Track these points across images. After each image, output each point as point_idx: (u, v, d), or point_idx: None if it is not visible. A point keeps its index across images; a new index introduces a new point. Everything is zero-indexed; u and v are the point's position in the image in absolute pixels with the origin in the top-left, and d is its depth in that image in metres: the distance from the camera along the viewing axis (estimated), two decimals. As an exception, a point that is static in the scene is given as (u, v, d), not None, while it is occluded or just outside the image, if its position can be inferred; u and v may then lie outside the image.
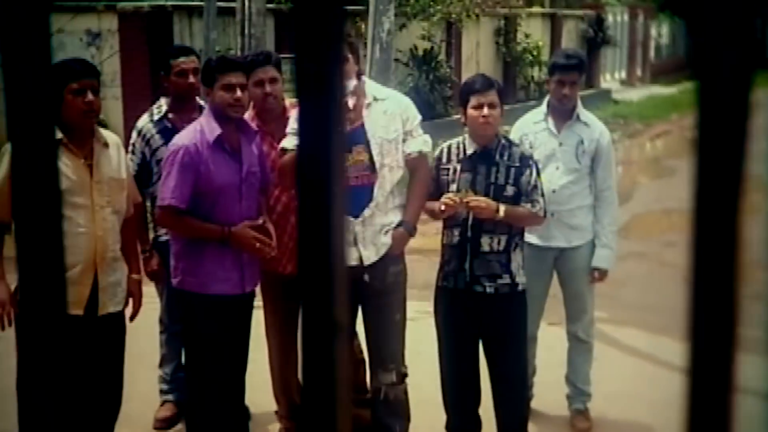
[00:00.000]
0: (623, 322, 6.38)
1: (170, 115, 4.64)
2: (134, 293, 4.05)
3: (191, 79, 4.57)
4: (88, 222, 3.76)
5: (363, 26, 13.85)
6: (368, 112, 4.02)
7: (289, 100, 4.40)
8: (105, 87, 11.85)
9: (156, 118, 4.68)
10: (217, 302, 3.98)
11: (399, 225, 4.05)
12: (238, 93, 3.92)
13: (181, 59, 4.63)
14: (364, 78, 4.18)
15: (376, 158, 3.97)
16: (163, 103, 4.73)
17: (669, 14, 30.08)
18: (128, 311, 4.04)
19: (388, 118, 4.03)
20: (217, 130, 3.92)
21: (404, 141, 4.04)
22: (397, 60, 14.22)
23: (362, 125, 4.00)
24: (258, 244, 3.90)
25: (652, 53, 29.57)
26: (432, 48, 16.49)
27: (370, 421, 4.29)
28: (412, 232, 4.11)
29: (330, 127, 0.53)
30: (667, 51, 31.18)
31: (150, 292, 4.94)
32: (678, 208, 10.83)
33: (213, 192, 3.92)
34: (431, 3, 15.77)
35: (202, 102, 4.59)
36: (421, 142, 4.10)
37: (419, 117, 4.15)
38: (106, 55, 11.74)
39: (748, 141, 0.54)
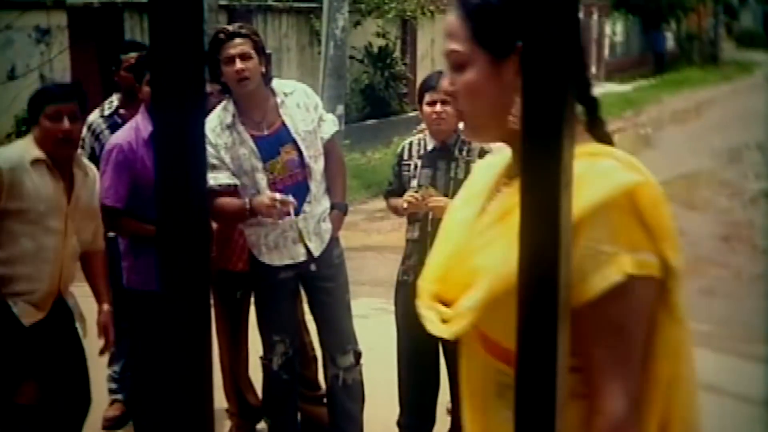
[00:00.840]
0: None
1: (121, 111, 4.63)
2: (107, 325, 3.89)
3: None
4: (58, 248, 3.64)
5: (317, 23, 13.82)
6: (284, 109, 4.00)
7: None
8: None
9: (107, 113, 4.68)
10: (153, 297, 3.93)
11: (332, 208, 4.07)
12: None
13: (131, 54, 4.61)
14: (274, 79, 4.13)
15: (304, 152, 3.96)
16: (114, 99, 4.73)
17: (624, 12, 30.35)
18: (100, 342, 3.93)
19: (303, 110, 4.03)
20: (151, 126, 3.90)
21: (319, 126, 4.06)
22: (351, 57, 14.21)
23: (283, 124, 3.98)
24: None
25: (606, 51, 29.82)
26: (387, 45, 16.49)
27: (327, 416, 4.28)
28: (346, 211, 4.19)
29: (189, 152, 0.52)
30: (621, 49, 31.45)
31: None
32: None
33: (150, 189, 3.87)
34: (386, 0, 15.77)
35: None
36: (332, 123, 4.17)
37: (320, 101, 4.22)
38: (55, 51, 11.57)
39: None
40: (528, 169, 0.51)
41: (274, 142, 3.93)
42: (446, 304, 1.54)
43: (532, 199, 0.52)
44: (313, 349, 4.47)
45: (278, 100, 3.97)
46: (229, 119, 3.92)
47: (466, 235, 1.60)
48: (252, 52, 3.86)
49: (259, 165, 3.88)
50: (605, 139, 1.58)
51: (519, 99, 1.43)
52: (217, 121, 3.92)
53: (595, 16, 28.34)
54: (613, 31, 30.62)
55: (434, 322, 1.57)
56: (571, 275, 0.55)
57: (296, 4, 15.31)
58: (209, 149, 3.83)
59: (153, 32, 0.53)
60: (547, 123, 0.50)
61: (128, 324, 4.29)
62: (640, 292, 1.40)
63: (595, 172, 1.41)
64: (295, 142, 3.94)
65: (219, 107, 3.99)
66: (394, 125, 14.56)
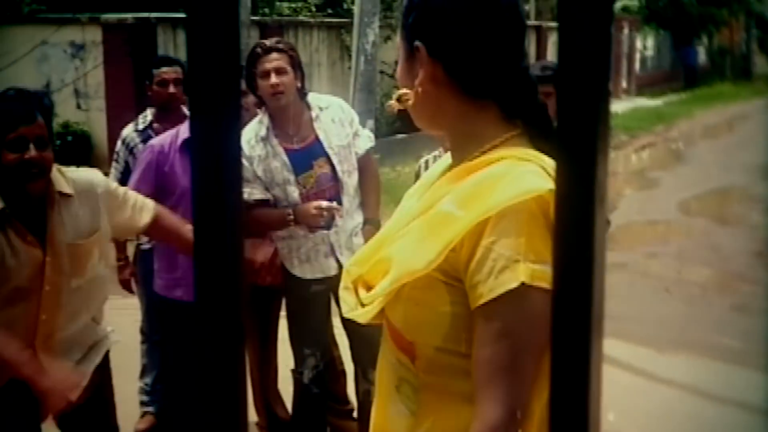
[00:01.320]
0: (604, 333, 6.36)
1: (155, 125, 4.67)
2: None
3: (171, 89, 4.60)
4: (29, 306, 2.88)
5: (348, 38, 13.88)
6: (319, 123, 4.01)
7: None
8: (89, 99, 11.85)
9: (141, 127, 4.73)
10: (186, 308, 3.98)
11: (365, 223, 4.08)
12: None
13: (163, 69, 4.66)
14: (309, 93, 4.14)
15: (337, 167, 3.97)
16: (148, 113, 4.79)
17: (654, 26, 30.20)
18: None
19: (337, 125, 4.04)
20: (186, 134, 3.95)
21: (353, 142, 4.07)
22: (382, 72, 14.24)
23: (317, 138, 3.99)
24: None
25: (637, 65, 29.68)
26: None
27: (356, 430, 4.28)
28: (378, 226, 4.17)
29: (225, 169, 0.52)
30: (652, 63, 31.30)
31: (133, 303, 4.92)
32: (661, 219, 10.87)
33: (176, 194, 3.94)
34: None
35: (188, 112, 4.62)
36: (367, 139, 4.18)
37: (357, 116, 4.26)
38: (90, 66, 11.70)
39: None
40: (562, 183, 0.51)
41: (307, 155, 3.96)
42: (370, 289, 1.55)
43: (565, 213, 0.52)
44: (341, 363, 4.47)
45: (313, 114, 4.00)
46: (263, 132, 3.96)
47: (395, 223, 1.62)
48: (288, 67, 3.90)
49: (291, 178, 3.91)
50: (547, 149, 1.53)
51: (421, 97, 1.49)
52: (251, 134, 3.95)
53: (626, 30, 28.23)
54: (644, 45, 30.47)
55: (349, 304, 1.59)
56: (604, 290, 0.55)
57: (327, 20, 15.38)
58: (243, 162, 3.86)
59: (190, 46, 0.53)
60: (582, 138, 0.50)
61: (159, 337, 4.32)
62: (534, 303, 1.35)
63: (512, 175, 1.40)
64: (328, 156, 3.97)
65: (254, 120, 4.03)
66: (424, 140, 14.54)
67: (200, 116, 0.54)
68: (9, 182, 2.83)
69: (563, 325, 0.53)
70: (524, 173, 1.40)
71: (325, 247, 3.97)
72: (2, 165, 2.79)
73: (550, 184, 1.35)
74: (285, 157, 3.92)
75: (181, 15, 11.61)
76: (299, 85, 3.97)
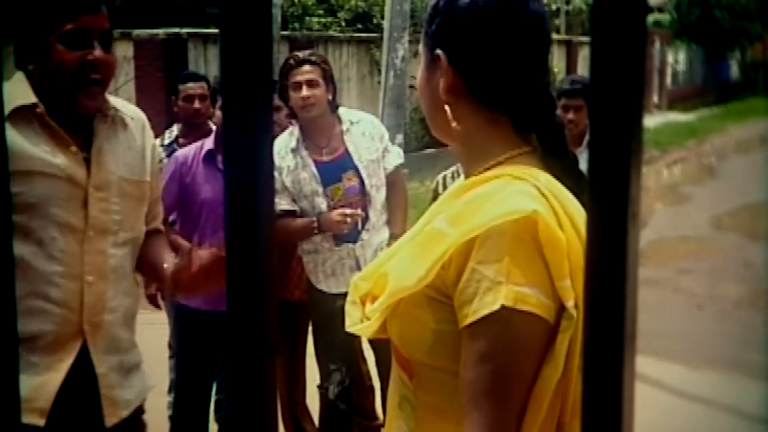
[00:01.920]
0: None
1: (180, 140, 4.71)
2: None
3: (197, 104, 4.64)
4: (70, 256, 2.21)
5: (377, 53, 13.92)
6: (349, 137, 4.03)
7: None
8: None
9: (167, 142, 4.76)
10: (196, 317, 4.06)
11: (391, 238, 4.07)
12: None
13: (189, 84, 4.70)
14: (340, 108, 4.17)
15: (366, 181, 3.99)
16: (174, 129, 4.82)
17: (686, 40, 30.05)
18: None
19: (368, 139, 4.06)
20: (209, 146, 4.03)
21: (383, 157, 4.09)
22: (411, 87, 14.24)
23: (346, 151, 4.01)
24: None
25: (668, 80, 29.53)
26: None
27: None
28: None
29: (258, 176, 0.52)
30: (684, 78, 31.13)
31: (161, 318, 4.95)
32: (693, 234, 10.78)
33: (198, 205, 4.00)
34: (446, 30, 15.80)
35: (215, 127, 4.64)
36: (397, 155, 4.19)
37: (386, 132, 4.27)
38: (121, 81, 11.81)
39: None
40: (595, 199, 0.51)
41: (336, 168, 3.98)
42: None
43: (598, 229, 0.51)
44: (370, 379, 4.46)
45: (344, 127, 4.03)
46: (293, 143, 3.98)
47: (403, 239, 1.61)
48: (320, 79, 3.93)
49: (320, 189, 3.93)
50: (559, 167, 1.49)
51: (447, 107, 1.46)
52: (282, 145, 3.97)
53: (657, 45, 28.11)
54: (675, 60, 30.32)
55: (353, 319, 1.57)
56: (637, 308, 0.54)
57: (357, 35, 15.44)
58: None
59: (223, 61, 0.54)
60: (615, 154, 0.50)
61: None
62: (517, 327, 1.30)
63: (503, 194, 1.36)
64: (357, 169, 3.98)
65: (286, 131, 4.06)
66: (453, 155, 14.54)
67: (233, 130, 0.54)
68: (58, 89, 2.19)
69: (596, 343, 0.53)
70: (514, 193, 1.36)
71: (350, 261, 3.97)
72: (52, 66, 2.16)
73: (538, 205, 1.32)
74: (314, 169, 3.94)
75: (213, 30, 11.72)
76: (330, 97, 3.99)
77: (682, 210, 12.77)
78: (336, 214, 3.83)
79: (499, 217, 1.31)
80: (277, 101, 4.06)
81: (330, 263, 3.99)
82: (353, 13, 15.77)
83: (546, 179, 1.41)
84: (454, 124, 1.48)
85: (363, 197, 4.00)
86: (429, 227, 1.46)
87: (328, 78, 3.99)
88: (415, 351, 1.45)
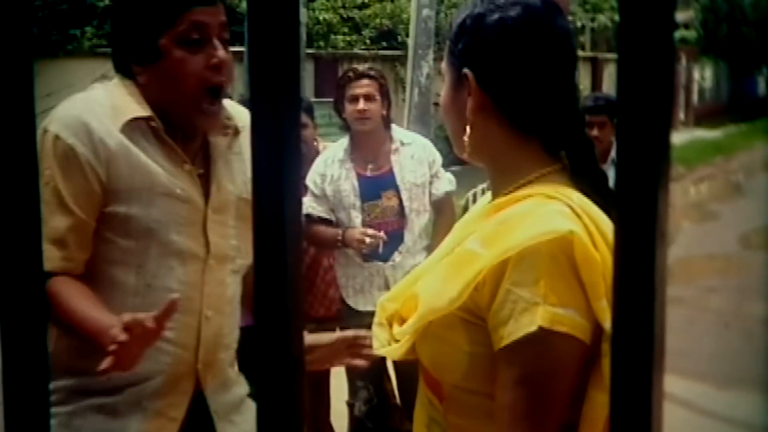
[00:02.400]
0: (665, 369, 6.26)
1: None
2: None
3: None
4: (190, 288, 1.95)
5: (402, 70, 13.94)
6: (397, 157, 4.01)
7: (323, 143, 4.44)
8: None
9: None
10: None
11: None
12: None
13: None
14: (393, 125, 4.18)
15: (405, 203, 3.96)
16: None
17: (712, 57, 29.92)
18: None
19: (415, 162, 4.02)
20: None
21: (431, 183, 4.05)
22: (436, 104, 14.27)
23: (391, 170, 3.99)
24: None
25: (695, 97, 29.40)
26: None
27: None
28: None
29: (285, 181, 0.52)
30: (710, 94, 30.98)
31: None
32: (720, 252, 10.69)
33: None
34: (471, 47, 15.82)
35: None
36: (447, 182, 4.15)
37: (440, 157, 4.18)
38: (149, 99, 11.92)
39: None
40: (622, 218, 0.50)
41: (378, 185, 4.00)
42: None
43: (625, 248, 0.51)
44: (395, 397, 4.44)
45: (393, 146, 4.04)
46: (341, 154, 4.01)
47: (430, 259, 1.59)
48: (377, 94, 3.97)
49: (357, 203, 3.94)
50: (589, 186, 1.46)
51: (469, 128, 1.45)
52: (331, 153, 4.04)
53: (683, 61, 28.01)
54: (701, 77, 30.19)
55: (380, 340, 1.55)
56: (665, 327, 0.53)
57: (381, 52, 15.49)
58: (317, 177, 3.96)
59: (252, 78, 0.54)
60: (643, 173, 0.49)
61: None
62: (555, 348, 1.29)
63: (536, 215, 1.35)
64: (398, 190, 3.99)
65: (338, 143, 4.12)
66: (479, 172, 14.51)
67: (261, 149, 0.54)
68: (177, 100, 1.89)
69: (624, 363, 0.52)
70: (548, 213, 1.34)
71: (379, 280, 3.97)
72: (168, 73, 1.87)
73: (573, 225, 1.30)
74: (355, 182, 3.96)
75: (239, 48, 11.78)
76: (385, 113, 4.02)
77: (709, 228, 12.68)
78: (358, 232, 3.83)
79: (534, 238, 1.30)
80: (304, 118, 4.07)
81: (360, 279, 4.00)
82: (378, 31, 15.83)
83: (578, 198, 1.39)
84: (476, 143, 1.47)
85: (400, 219, 4.00)
86: (460, 248, 1.44)
87: (385, 93, 4.03)
88: (447, 373, 1.43)
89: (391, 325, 1.55)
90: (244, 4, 12.28)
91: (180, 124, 1.93)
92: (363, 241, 3.78)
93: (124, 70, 1.95)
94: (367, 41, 15.66)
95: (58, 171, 1.83)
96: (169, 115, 1.91)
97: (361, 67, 4.12)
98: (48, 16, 12.09)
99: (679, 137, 24.36)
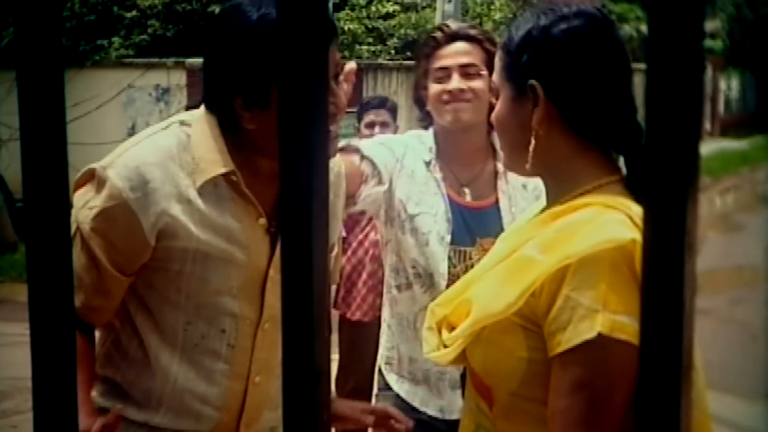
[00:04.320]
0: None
1: None
2: None
3: None
4: (240, 353, 1.88)
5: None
6: (505, 184, 2.53)
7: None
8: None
9: None
10: None
11: None
12: None
13: None
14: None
15: None
16: None
17: (738, 68, 29.71)
18: None
19: (531, 195, 2.51)
20: None
21: None
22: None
23: (496, 203, 2.52)
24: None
25: (721, 107, 29.19)
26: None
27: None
28: None
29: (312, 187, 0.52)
30: (736, 105, 30.75)
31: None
32: (747, 264, 10.60)
33: None
34: (495, 57, 15.82)
35: None
36: None
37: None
38: (174, 109, 11.98)
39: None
40: (651, 231, 0.50)
41: (475, 225, 2.59)
42: (453, 330, 1.52)
43: (654, 261, 0.51)
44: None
45: (500, 165, 2.80)
46: (426, 154, 2.60)
47: (482, 265, 1.59)
48: (482, 66, 2.49)
49: (447, 238, 2.64)
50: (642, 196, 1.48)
51: (534, 139, 1.45)
52: (415, 142, 2.62)
53: (709, 72, 27.84)
54: (728, 87, 29.99)
55: (431, 345, 1.56)
56: (694, 341, 0.53)
57: (406, 62, 15.50)
58: (387, 151, 2.56)
59: (282, 90, 0.54)
60: (671, 186, 0.49)
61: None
62: (613, 356, 1.29)
63: (597, 223, 1.35)
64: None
65: (412, 134, 2.79)
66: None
67: (289, 163, 0.54)
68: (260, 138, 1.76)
69: (652, 376, 0.52)
70: (608, 221, 1.36)
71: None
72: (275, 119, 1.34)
73: (634, 234, 1.31)
74: (447, 204, 2.53)
75: (263, 59, 11.82)
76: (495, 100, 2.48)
77: (735, 239, 12.58)
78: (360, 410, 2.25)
79: (595, 245, 1.31)
80: (388, 118, 4.04)
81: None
82: (403, 42, 15.84)
83: (636, 208, 1.39)
84: (540, 154, 1.47)
85: None
86: (518, 254, 1.45)
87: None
88: (499, 379, 1.44)
89: (440, 331, 1.56)
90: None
91: (264, 162, 1.81)
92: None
93: (220, 108, 1.79)
94: (392, 51, 15.67)
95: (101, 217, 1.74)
96: (257, 162, 1.81)
97: (455, 24, 2.59)
98: (76, 26, 12.20)
99: (705, 148, 24.17)
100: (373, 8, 15.37)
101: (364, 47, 15.46)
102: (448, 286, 2.27)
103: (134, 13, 12.86)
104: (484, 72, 2.43)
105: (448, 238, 2.44)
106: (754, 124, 29.37)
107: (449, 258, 2.44)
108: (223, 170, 1.77)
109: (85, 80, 11.27)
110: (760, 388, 6.08)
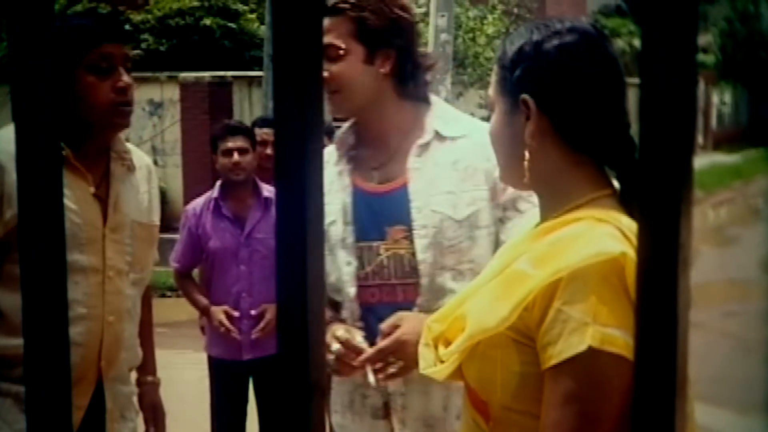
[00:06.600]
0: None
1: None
2: (155, 406, 2.60)
3: (236, 157, 4.05)
4: (93, 298, 2.22)
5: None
6: (423, 159, 2.16)
7: None
8: (166, 155, 12.12)
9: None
10: (214, 366, 4.15)
11: None
12: (236, 157, 3.95)
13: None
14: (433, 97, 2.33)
15: (421, 254, 2.10)
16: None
17: (731, 82, 29.84)
18: None
19: (460, 175, 2.14)
20: (215, 194, 4.04)
21: (500, 221, 2.13)
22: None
23: (406, 185, 2.16)
24: (222, 329, 3.87)
25: (713, 121, 29.29)
26: (490, 116, 16.54)
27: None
28: None
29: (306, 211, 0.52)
30: (729, 119, 30.86)
31: (201, 357, 4.95)
32: (740, 277, 10.62)
33: (210, 255, 4.03)
34: (489, 71, 15.86)
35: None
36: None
37: None
38: (167, 123, 11.99)
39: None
40: (645, 245, 0.50)
41: (382, 211, 2.30)
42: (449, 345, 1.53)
43: (648, 275, 0.51)
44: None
45: (421, 140, 2.98)
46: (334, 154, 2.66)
47: (477, 281, 1.60)
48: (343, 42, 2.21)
49: (350, 239, 2.61)
50: (634, 211, 1.45)
51: (528, 152, 1.45)
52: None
53: (701, 86, 27.95)
54: (720, 101, 30.10)
55: (427, 361, 1.56)
56: (688, 355, 0.53)
57: (399, 77, 15.54)
58: None
59: (277, 102, 0.54)
60: (665, 200, 0.49)
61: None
62: (604, 368, 1.30)
63: (588, 237, 1.36)
64: (410, 225, 2.47)
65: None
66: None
67: (284, 180, 0.54)
68: (92, 120, 2.21)
69: (647, 391, 0.52)
70: (599, 235, 1.36)
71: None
72: (82, 98, 2.15)
73: (624, 247, 1.31)
74: (348, 199, 2.28)
75: (257, 73, 11.85)
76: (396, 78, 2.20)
77: (729, 252, 12.60)
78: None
79: (585, 259, 1.31)
80: (324, 141, 4.02)
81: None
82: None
83: (628, 222, 1.40)
84: (533, 168, 1.48)
85: (412, 283, 2.17)
86: (510, 269, 1.45)
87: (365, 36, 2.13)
88: (495, 393, 1.44)
89: (436, 347, 1.56)
90: (262, 29, 12.37)
91: (86, 146, 2.23)
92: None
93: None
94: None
95: None
96: (80, 137, 2.20)
97: None
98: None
99: (697, 161, 24.17)
100: (367, 23, 15.39)
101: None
102: (360, 288, 2.15)
103: (127, 27, 12.88)
104: (349, 47, 2.11)
105: (351, 238, 2.17)
106: (746, 138, 29.46)
107: (358, 258, 2.16)
108: None
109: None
110: (753, 401, 6.07)
